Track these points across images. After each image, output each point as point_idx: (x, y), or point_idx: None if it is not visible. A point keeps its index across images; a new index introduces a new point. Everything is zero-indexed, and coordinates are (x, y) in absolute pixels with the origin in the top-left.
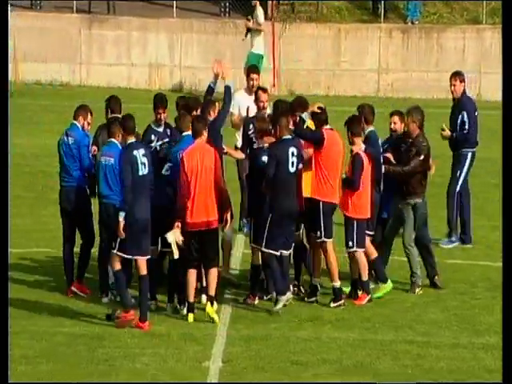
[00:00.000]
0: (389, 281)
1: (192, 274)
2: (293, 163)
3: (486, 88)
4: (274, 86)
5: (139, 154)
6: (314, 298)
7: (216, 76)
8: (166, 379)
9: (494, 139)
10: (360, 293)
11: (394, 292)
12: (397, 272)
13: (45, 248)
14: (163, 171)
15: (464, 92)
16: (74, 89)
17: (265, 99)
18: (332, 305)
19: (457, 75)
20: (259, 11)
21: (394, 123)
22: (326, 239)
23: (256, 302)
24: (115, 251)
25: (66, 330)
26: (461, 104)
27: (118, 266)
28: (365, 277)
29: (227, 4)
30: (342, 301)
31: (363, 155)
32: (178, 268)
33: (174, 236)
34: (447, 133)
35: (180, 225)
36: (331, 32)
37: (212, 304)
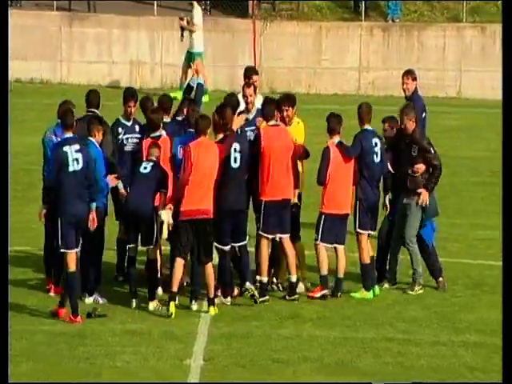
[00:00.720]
0: (371, 292)
1: (180, 263)
2: (235, 159)
3: (467, 86)
4: None
5: (71, 149)
6: (295, 296)
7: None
8: (147, 377)
9: (474, 137)
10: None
11: (374, 289)
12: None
13: (25, 246)
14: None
15: (415, 90)
16: (54, 86)
17: (248, 94)
18: (287, 298)
19: (409, 73)
20: (196, 11)
21: (385, 130)
22: (261, 233)
23: (235, 293)
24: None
25: (47, 329)
26: (412, 102)
27: (71, 266)
28: (323, 271)
29: (208, 2)
30: (297, 295)
31: (332, 149)
32: (155, 265)
33: (167, 215)
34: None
35: (172, 207)
36: (312, 30)
37: (214, 306)
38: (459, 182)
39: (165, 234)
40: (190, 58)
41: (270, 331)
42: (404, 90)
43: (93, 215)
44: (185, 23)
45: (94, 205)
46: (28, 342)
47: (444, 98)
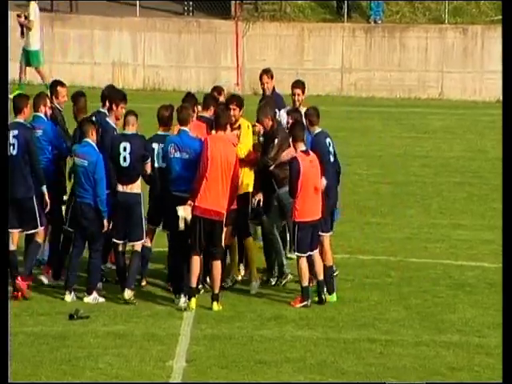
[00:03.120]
0: (334, 294)
1: (196, 260)
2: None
3: (448, 87)
4: (237, 84)
5: (11, 134)
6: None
7: None
8: (129, 379)
9: (456, 138)
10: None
11: (356, 290)
12: (357, 270)
13: None
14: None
15: (274, 89)
16: (35, 88)
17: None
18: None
19: (268, 72)
20: (31, 8)
21: (288, 123)
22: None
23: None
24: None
25: (28, 330)
26: (274, 101)
27: (11, 246)
28: (304, 282)
29: (191, 3)
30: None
31: (301, 159)
32: (139, 258)
33: (184, 212)
34: (259, 127)
35: (192, 203)
36: (294, 31)
37: (218, 302)
38: (441, 183)
39: (181, 227)
40: (28, 56)
41: (253, 332)
42: (264, 90)
43: (45, 199)
44: (22, 19)
45: (43, 188)
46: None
47: (426, 99)
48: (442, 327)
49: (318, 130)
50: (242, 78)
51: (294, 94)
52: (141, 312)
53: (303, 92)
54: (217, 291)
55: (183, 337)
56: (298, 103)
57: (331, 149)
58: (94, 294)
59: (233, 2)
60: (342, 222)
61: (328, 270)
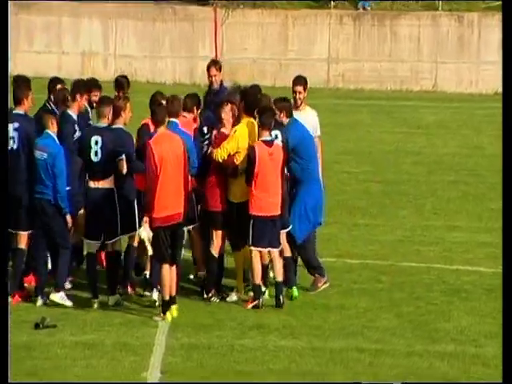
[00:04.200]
0: (294, 288)
1: (166, 269)
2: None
3: (443, 79)
4: None
5: (11, 127)
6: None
7: None
8: None
9: (450, 134)
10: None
11: (343, 296)
12: (345, 275)
13: None
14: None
15: (222, 82)
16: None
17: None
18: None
19: (216, 64)
20: None
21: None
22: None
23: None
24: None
25: None
26: (220, 94)
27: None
28: (256, 280)
29: None
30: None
31: (258, 148)
32: (118, 260)
33: (146, 232)
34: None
35: (148, 220)
36: (278, 18)
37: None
38: (435, 181)
39: (150, 251)
40: None
41: (233, 342)
42: (212, 83)
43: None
44: None
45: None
46: None
47: (419, 91)
48: (435, 336)
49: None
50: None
51: (294, 92)
52: (112, 320)
53: (305, 89)
54: (173, 293)
55: (158, 346)
56: (299, 102)
57: (278, 141)
58: (61, 293)
59: None
60: (328, 224)
61: (286, 260)
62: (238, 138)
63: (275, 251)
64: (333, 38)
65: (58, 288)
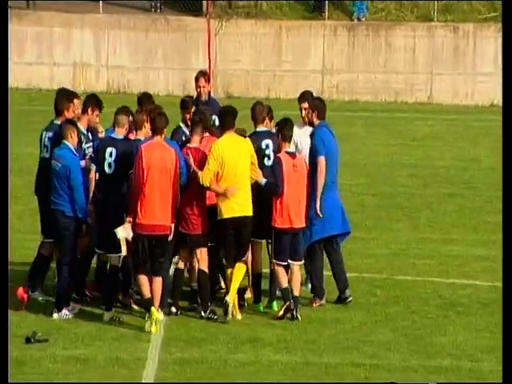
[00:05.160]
0: (274, 303)
1: (143, 280)
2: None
3: (438, 90)
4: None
5: (46, 135)
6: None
7: None
8: None
9: (446, 146)
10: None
11: (339, 310)
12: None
13: None
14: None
15: (209, 94)
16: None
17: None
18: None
19: (204, 75)
20: None
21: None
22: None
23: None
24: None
25: None
26: (210, 106)
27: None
28: (283, 284)
29: None
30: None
31: (284, 159)
32: (115, 276)
33: (125, 232)
34: None
35: (131, 220)
36: (271, 29)
37: (158, 310)
38: (431, 194)
39: (124, 251)
40: None
41: (227, 356)
42: (200, 94)
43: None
44: None
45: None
46: None
47: (414, 103)
48: (431, 351)
49: (260, 128)
50: (215, 81)
51: (300, 110)
52: (104, 334)
53: (312, 108)
54: (157, 304)
55: (150, 361)
56: (306, 119)
57: (268, 151)
58: (64, 311)
59: None
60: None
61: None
62: (216, 154)
63: (296, 264)
64: (327, 49)
65: (60, 307)
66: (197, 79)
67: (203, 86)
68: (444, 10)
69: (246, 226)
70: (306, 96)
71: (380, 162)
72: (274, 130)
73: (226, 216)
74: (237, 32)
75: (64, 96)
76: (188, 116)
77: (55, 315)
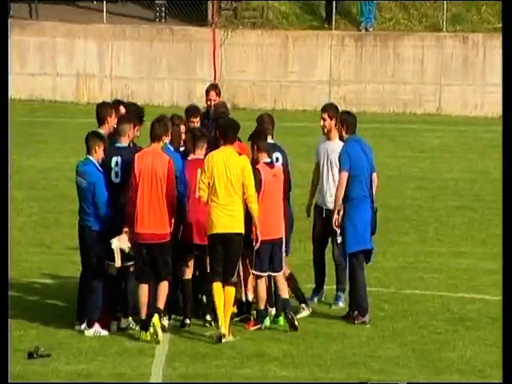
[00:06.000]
0: (280, 318)
1: (143, 289)
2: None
3: (447, 101)
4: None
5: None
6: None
7: None
8: None
9: (455, 158)
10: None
11: (346, 325)
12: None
13: None
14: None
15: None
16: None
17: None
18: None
19: (215, 88)
20: None
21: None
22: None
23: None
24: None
25: None
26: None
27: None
28: (260, 305)
29: (163, 8)
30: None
31: (263, 170)
32: (119, 283)
33: (119, 242)
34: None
35: (128, 230)
36: (278, 39)
37: (160, 316)
38: (440, 207)
39: (118, 263)
40: None
41: (232, 371)
42: (210, 106)
43: None
44: None
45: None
46: None
47: (422, 114)
48: (440, 366)
49: (268, 141)
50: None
51: (321, 120)
52: (108, 349)
53: (331, 117)
54: (161, 306)
55: (154, 376)
56: (324, 130)
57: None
58: (96, 327)
59: (210, 8)
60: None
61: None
62: (207, 165)
63: (278, 275)
64: (334, 59)
65: (91, 323)
66: (207, 92)
67: (214, 100)
68: (453, 20)
69: (234, 244)
70: (326, 107)
71: (388, 174)
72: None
73: (213, 231)
74: (242, 42)
75: (105, 106)
76: (194, 122)
77: (87, 332)
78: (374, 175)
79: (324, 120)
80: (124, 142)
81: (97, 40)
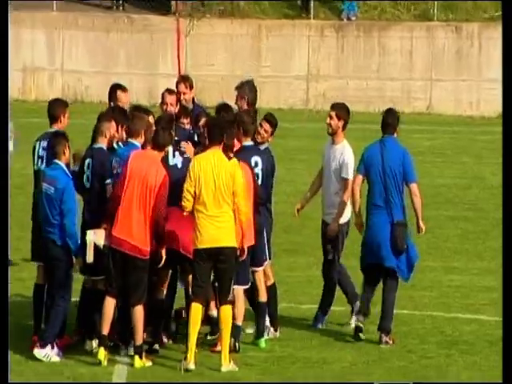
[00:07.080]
0: (262, 339)
1: (109, 302)
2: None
3: (439, 99)
4: None
5: (39, 145)
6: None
7: None
8: None
9: (448, 162)
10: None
11: (326, 349)
12: (328, 324)
13: None
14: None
15: (193, 100)
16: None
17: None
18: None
19: (186, 80)
20: None
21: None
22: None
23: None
24: None
25: None
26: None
27: None
28: (238, 320)
29: None
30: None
31: None
32: (95, 300)
33: (95, 236)
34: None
35: (106, 228)
36: (250, 30)
37: (141, 356)
38: (431, 217)
39: (89, 258)
40: None
41: None
42: (184, 100)
43: None
44: None
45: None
46: None
47: (411, 113)
48: None
49: (247, 143)
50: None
51: (328, 117)
52: (60, 374)
53: (338, 117)
54: (138, 343)
55: None
56: (329, 130)
57: (257, 170)
58: (47, 349)
59: None
60: (311, 265)
61: (260, 306)
62: (192, 171)
63: (239, 288)
64: (313, 52)
65: (45, 343)
66: (177, 85)
67: (184, 93)
68: (445, 8)
69: (226, 259)
70: (336, 106)
71: None
72: (262, 147)
73: (200, 246)
74: (210, 33)
75: (60, 101)
76: (185, 124)
77: (36, 351)
78: (413, 186)
79: (330, 118)
80: (101, 143)
81: (46, 30)
